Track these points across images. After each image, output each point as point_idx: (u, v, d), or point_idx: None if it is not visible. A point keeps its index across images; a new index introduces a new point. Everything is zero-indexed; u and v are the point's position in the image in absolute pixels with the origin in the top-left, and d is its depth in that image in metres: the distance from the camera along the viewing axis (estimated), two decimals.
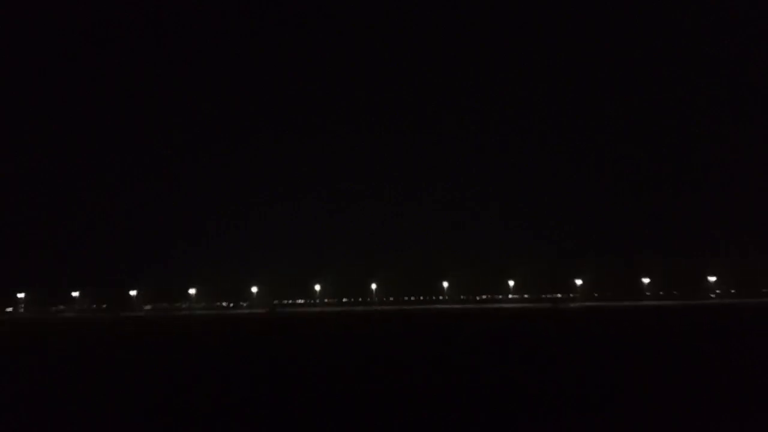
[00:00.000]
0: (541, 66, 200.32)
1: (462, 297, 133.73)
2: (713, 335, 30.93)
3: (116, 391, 14.89)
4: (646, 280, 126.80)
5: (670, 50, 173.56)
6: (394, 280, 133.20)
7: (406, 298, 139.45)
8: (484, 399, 12.62)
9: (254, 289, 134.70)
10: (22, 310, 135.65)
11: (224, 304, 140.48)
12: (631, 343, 26.20)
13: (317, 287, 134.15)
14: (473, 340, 30.01)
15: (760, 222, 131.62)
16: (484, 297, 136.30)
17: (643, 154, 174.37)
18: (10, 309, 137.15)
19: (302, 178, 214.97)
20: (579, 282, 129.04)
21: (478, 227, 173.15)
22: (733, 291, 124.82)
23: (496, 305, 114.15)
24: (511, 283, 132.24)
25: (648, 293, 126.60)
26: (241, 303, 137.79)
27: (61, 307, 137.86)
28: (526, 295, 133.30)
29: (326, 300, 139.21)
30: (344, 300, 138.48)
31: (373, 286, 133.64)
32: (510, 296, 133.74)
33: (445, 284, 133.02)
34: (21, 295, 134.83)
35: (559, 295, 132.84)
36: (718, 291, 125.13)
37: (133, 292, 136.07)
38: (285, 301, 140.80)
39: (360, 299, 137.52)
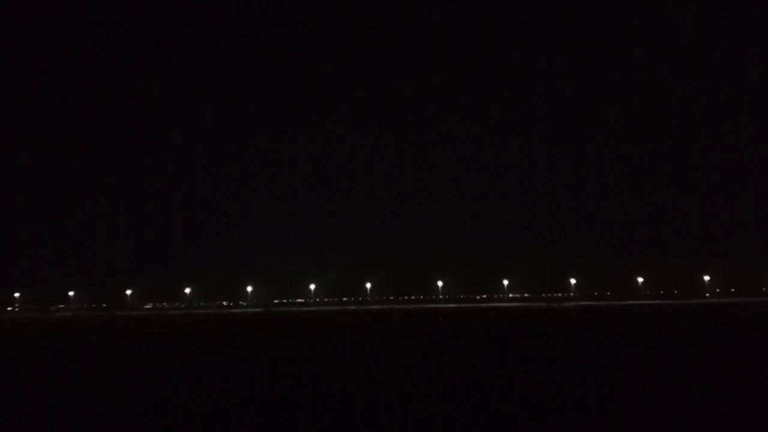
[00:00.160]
0: (541, 66, 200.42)
1: (461, 296, 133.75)
2: (713, 335, 30.93)
3: (116, 391, 14.88)
4: (640, 280, 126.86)
5: (670, 50, 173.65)
6: (394, 280, 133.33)
7: (405, 298, 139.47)
8: (484, 399, 12.62)
9: (249, 289, 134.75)
10: (17, 309, 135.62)
11: (224, 303, 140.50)
12: (630, 343, 26.20)
13: (314, 287, 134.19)
14: (473, 340, 30.01)
15: (759, 222, 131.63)
16: (483, 296, 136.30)
17: (643, 154, 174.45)
18: (10, 308, 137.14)
19: (302, 178, 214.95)
20: (573, 281, 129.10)
21: (478, 227, 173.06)
22: (732, 290, 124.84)
23: (495, 305, 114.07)
24: (506, 282, 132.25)
25: (647, 293, 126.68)
26: (241, 302, 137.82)
27: (61, 306, 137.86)
28: (526, 295, 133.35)
29: (326, 299, 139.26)
30: (344, 299, 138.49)
31: (368, 285, 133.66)
32: (510, 296, 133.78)
33: (441, 284, 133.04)
34: (17, 295, 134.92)
35: (558, 294, 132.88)
36: (717, 290, 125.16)
37: (129, 291, 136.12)
38: (285, 300, 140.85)
39: (360, 298, 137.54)
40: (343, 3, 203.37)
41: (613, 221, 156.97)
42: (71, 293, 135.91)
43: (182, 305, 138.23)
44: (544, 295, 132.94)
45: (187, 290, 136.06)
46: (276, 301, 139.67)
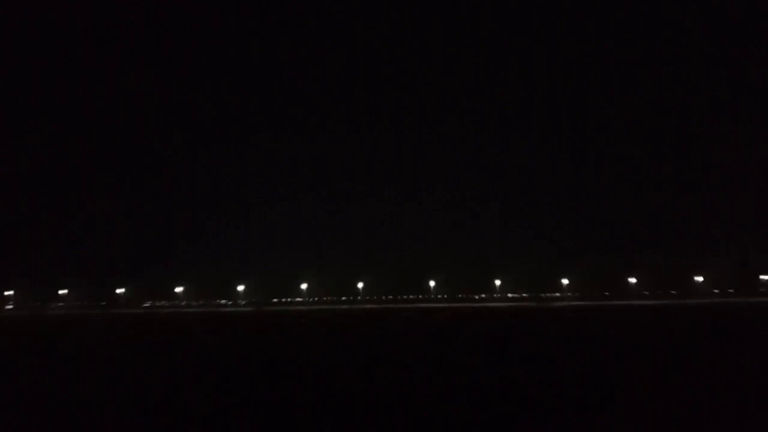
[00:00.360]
0: (541, 66, 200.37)
1: (460, 296, 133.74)
2: (713, 335, 30.94)
3: (116, 391, 14.88)
4: (633, 280, 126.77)
5: (670, 50, 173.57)
6: (394, 280, 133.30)
7: (404, 297, 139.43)
8: (484, 399, 12.62)
9: (240, 288, 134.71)
10: (11, 307, 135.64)
11: (222, 302, 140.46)
12: (630, 343, 26.20)
13: (306, 286, 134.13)
14: (473, 340, 30.00)
15: (759, 222, 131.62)
16: (483, 296, 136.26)
17: (643, 154, 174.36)
18: (9, 307, 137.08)
19: (302, 178, 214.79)
20: (566, 282, 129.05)
21: (478, 227, 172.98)
22: (731, 291, 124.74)
23: (493, 305, 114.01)
24: (498, 282, 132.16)
25: (646, 293, 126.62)
26: (240, 301, 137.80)
27: (60, 304, 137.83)
28: (524, 295, 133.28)
29: (325, 299, 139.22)
30: (343, 299, 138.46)
31: (360, 285, 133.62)
32: (510, 296, 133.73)
33: (433, 284, 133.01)
34: (9, 293, 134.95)
35: (557, 295, 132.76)
36: (716, 291, 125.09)
37: (122, 290, 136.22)
38: (284, 300, 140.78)
39: (358, 298, 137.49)
40: (343, 3, 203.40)
41: (613, 221, 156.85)
42: (63, 291, 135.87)
43: (182, 303, 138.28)
44: (543, 295, 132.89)
45: (179, 289, 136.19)
46: (275, 300, 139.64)
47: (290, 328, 45.25)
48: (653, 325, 40.79)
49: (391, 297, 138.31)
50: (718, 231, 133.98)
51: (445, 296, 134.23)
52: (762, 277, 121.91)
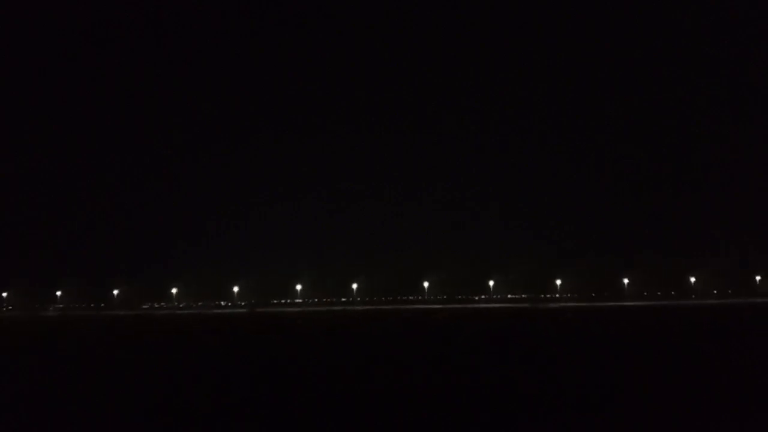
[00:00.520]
0: (541, 66, 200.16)
1: (459, 297, 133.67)
2: (712, 335, 30.94)
3: (116, 391, 14.88)
4: (626, 281, 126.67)
5: (670, 50, 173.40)
6: (394, 280, 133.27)
7: (404, 298, 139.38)
8: (484, 399, 12.62)
9: (235, 289, 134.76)
10: (11, 308, 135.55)
11: (222, 303, 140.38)
12: (629, 344, 26.21)
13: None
14: (472, 340, 30.01)
15: (759, 222, 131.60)
16: (483, 297, 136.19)
17: (643, 154, 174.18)
18: (9, 308, 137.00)
19: (302, 178, 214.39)
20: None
21: (478, 227, 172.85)
22: (730, 292, 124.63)
23: (492, 305, 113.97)
24: (492, 283, 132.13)
25: (645, 294, 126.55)
26: (240, 303, 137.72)
27: (60, 306, 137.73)
28: (524, 295, 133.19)
29: (325, 300, 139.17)
30: (343, 300, 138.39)
31: (357, 285, 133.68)
32: (510, 296, 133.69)
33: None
34: (4, 294, 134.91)
35: (557, 295, 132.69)
36: (715, 292, 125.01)
37: (115, 291, 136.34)
38: (283, 301, 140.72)
39: (358, 299, 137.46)
40: (343, 3, 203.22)
41: (613, 221, 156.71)
42: (59, 293, 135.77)
43: (180, 305, 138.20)
44: (543, 296, 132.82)
45: (174, 290, 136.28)
46: (275, 302, 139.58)
47: (290, 329, 45.25)
48: (652, 326, 40.80)
49: (390, 298, 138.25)
50: (717, 231, 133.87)
51: (445, 297, 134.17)
52: (757, 278, 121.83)
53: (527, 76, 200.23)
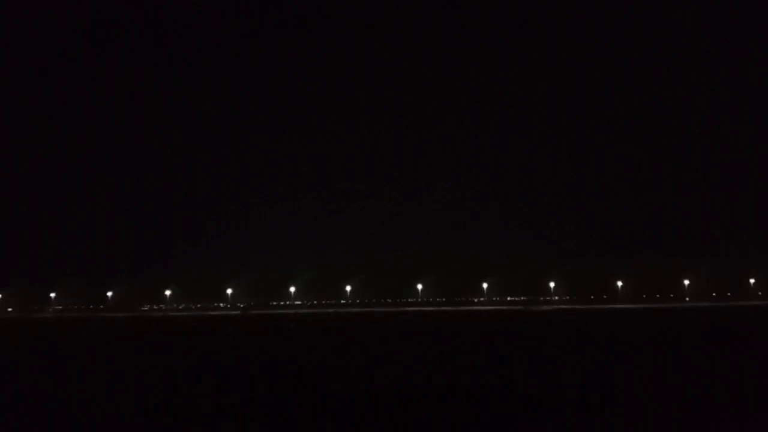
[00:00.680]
0: (541, 66, 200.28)
1: (458, 299, 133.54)
2: (711, 336, 30.95)
3: (116, 391, 14.87)
4: (620, 283, 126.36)
5: (670, 50, 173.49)
6: (393, 281, 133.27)
7: (404, 300, 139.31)
8: (484, 399, 12.62)
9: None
10: (9, 310, 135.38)
11: (221, 305, 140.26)
12: (629, 344, 26.21)
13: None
14: (472, 341, 30.02)
15: (759, 222, 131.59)
16: (481, 299, 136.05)
17: (643, 154, 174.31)
18: (10, 309, 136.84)
19: (302, 178, 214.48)
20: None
21: (478, 227, 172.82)
22: (728, 294, 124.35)
23: (491, 308, 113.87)
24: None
25: (644, 296, 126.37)
26: (239, 304, 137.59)
27: (59, 307, 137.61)
28: (522, 297, 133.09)
29: (325, 302, 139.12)
30: (342, 302, 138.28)
31: (350, 288, 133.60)
32: (509, 299, 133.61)
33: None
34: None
35: (556, 297, 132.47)
36: (713, 294, 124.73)
37: (110, 293, 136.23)
38: (282, 303, 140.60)
39: (358, 300, 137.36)
40: (343, 3, 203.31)
41: (613, 221, 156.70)
42: (53, 294, 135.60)
43: (180, 306, 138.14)
44: (542, 298, 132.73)
45: (168, 292, 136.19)
46: (274, 303, 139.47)
47: (289, 330, 45.24)
48: (652, 327, 40.81)
49: (390, 300, 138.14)
50: (717, 231, 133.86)
51: (444, 299, 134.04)
52: (752, 280, 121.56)
53: (527, 76, 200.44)
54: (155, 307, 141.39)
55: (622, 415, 11.06)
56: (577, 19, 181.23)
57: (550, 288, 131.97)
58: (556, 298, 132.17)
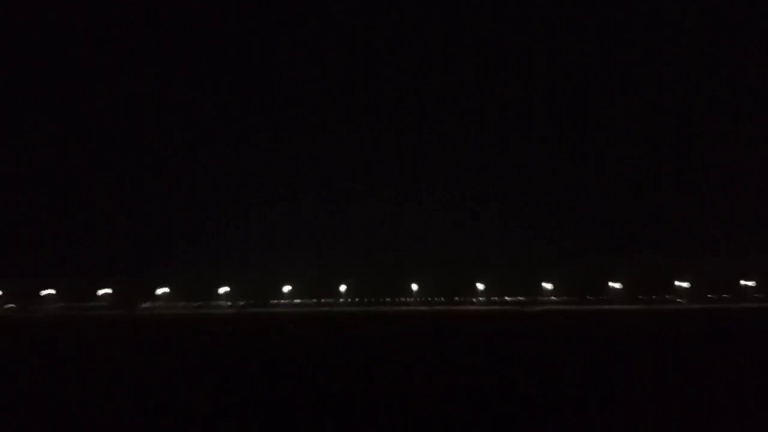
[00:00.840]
0: (541, 66, 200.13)
1: (456, 299, 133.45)
2: (711, 337, 30.96)
3: (116, 391, 14.86)
4: (610, 285, 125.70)
5: (670, 50, 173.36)
6: (393, 281, 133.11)
7: (402, 299, 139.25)
8: (484, 399, 12.62)
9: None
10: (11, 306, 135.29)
11: (221, 303, 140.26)
12: (629, 345, 26.22)
13: (287, 288, 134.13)
14: (471, 341, 30.03)
15: (759, 222, 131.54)
16: (480, 299, 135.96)
17: (643, 154, 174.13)
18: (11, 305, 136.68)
19: (302, 178, 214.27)
20: (545, 285, 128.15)
21: (478, 227, 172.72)
22: (725, 296, 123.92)
23: (490, 308, 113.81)
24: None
25: (641, 297, 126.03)
26: (238, 302, 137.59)
27: (59, 304, 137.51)
28: (520, 298, 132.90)
29: (322, 300, 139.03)
30: (341, 300, 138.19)
31: (344, 287, 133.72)
32: (507, 298, 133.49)
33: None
34: None
35: (553, 298, 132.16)
36: (709, 296, 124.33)
37: (100, 292, 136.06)
38: (281, 301, 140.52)
39: (356, 300, 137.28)
40: (343, 3, 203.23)
41: (613, 221, 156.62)
42: (49, 290, 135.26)
43: (180, 304, 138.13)
44: (541, 298, 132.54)
45: (163, 290, 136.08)
46: (274, 301, 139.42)
47: (289, 330, 45.23)
48: (651, 327, 40.82)
49: (388, 300, 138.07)
50: (718, 231, 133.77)
51: (443, 299, 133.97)
52: (748, 283, 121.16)
53: (527, 76, 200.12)
54: (152, 304, 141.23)
55: (622, 415, 11.06)
56: (577, 19, 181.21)
57: (549, 288, 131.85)
58: (554, 298, 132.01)
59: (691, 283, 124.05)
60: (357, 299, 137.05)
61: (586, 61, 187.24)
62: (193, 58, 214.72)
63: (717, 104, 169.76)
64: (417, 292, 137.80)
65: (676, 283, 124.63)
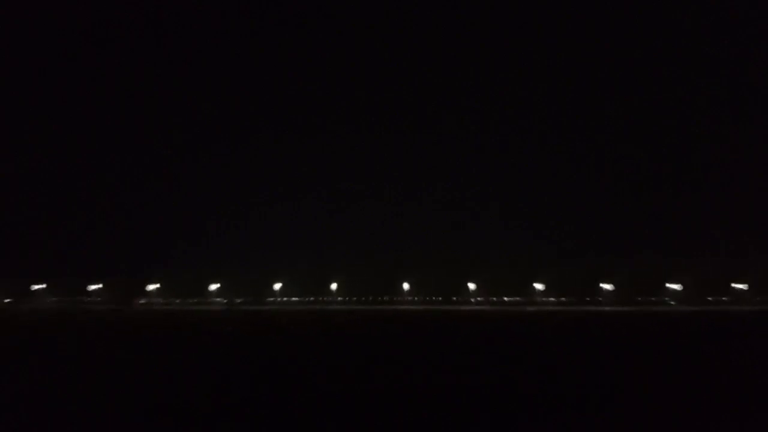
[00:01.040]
0: (541, 66, 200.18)
1: (454, 299, 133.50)
2: (711, 337, 30.97)
3: (116, 391, 14.86)
4: (607, 286, 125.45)
5: (670, 50, 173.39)
6: (393, 281, 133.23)
7: (402, 299, 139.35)
8: (484, 399, 12.63)
9: (213, 287, 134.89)
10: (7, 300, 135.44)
11: (216, 301, 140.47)
12: (630, 345, 26.23)
13: (279, 286, 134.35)
14: (472, 340, 30.03)
15: (759, 222, 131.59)
16: (479, 299, 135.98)
17: (643, 154, 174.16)
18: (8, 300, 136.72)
19: (302, 178, 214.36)
20: (537, 286, 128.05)
21: (478, 227, 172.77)
22: (724, 298, 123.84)
23: (489, 308, 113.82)
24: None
25: (639, 298, 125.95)
26: (236, 300, 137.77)
27: (55, 299, 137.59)
28: (518, 298, 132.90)
29: (321, 299, 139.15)
30: (339, 299, 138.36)
31: (333, 285, 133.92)
32: (506, 299, 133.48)
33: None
34: None
35: (551, 299, 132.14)
36: (709, 298, 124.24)
37: (92, 287, 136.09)
38: (281, 299, 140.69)
39: (354, 299, 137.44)
40: (343, 3, 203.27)
41: (613, 221, 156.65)
42: (36, 286, 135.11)
43: (177, 301, 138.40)
44: (540, 298, 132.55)
45: (150, 287, 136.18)
46: (270, 299, 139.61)
47: (289, 329, 45.24)
48: (652, 327, 40.84)
49: (386, 299, 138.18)
50: (718, 231, 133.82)
51: (441, 298, 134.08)
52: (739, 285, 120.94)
53: (527, 76, 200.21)
54: (149, 301, 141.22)
55: (622, 415, 11.07)
56: (577, 19, 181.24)
57: (549, 288, 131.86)
58: (553, 299, 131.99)
59: (690, 284, 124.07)
60: (356, 299, 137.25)
61: (586, 61, 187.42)
62: (193, 58, 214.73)
63: (717, 104, 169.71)
64: (417, 291, 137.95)
65: (676, 284, 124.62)
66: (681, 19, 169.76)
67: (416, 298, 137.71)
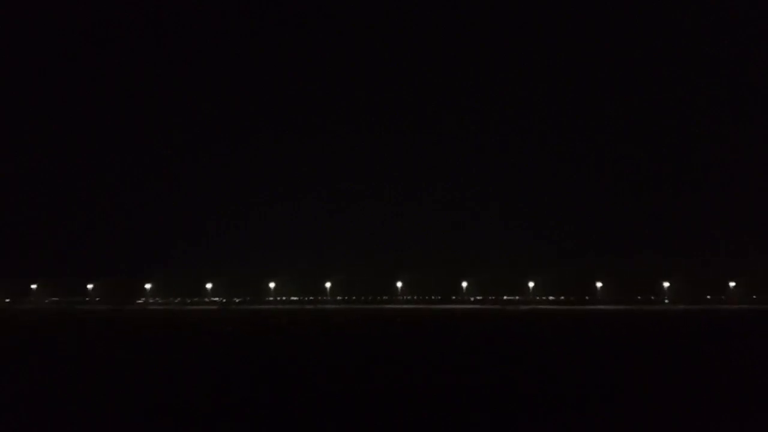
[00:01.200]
0: (541, 66, 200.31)
1: (453, 298, 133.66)
2: (711, 337, 30.99)
3: (116, 390, 14.86)
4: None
5: (670, 50, 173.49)
6: (392, 280, 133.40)
7: (402, 298, 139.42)
8: (484, 399, 12.63)
9: (208, 286, 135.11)
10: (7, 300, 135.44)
11: (222, 300, 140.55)
12: (630, 345, 26.24)
13: (273, 285, 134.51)
14: (472, 340, 30.04)
15: (759, 222, 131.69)
16: (478, 298, 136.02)
17: (643, 154, 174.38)
18: (7, 300, 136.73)
19: (302, 178, 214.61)
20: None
21: (479, 227, 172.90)
22: (723, 298, 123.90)
23: (488, 307, 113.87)
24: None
25: (639, 298, 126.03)
26: (235, 300, 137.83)
27: (55, 298, 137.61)
28: (517, 297, 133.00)
29: (320, 298, 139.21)
30: (338, 298, 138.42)
31: (327, 284, 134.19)
32: (505, 298, 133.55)
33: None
34: None
35: (551, 298, 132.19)
36: (708, 297, 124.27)
37: (90, 286, 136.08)
38: (280, 298, 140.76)
39: (354, 298, 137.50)
40: (343, 3, 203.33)
41: (613, 221, 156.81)
42: (34, 286, 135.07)
43: (176, 300, 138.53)
44: (540, 298, 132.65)
45: (147, 285, 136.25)
46: (270, 299, 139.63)
47: (288, 329, 45.24)
48: (652, 327, 40.85)
49: (385, 298, 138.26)
50: (718, 231, 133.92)
51: (440, 298, 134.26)
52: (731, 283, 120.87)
53: (527, 76, 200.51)
54: (143, 300, 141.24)
55: (622, 415, 11.07)
56: (577, 19, 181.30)
57: (548, 288, 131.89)
58: (552, 298, 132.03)
59: (689, 284, 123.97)
60: (356, 298, 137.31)
61: (586, 61, 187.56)
62: (193, 58, 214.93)
63: (717, 104, 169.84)
64: (416, 291, 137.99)
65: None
66: (681, 19, 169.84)
67: (416, 298, 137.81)
